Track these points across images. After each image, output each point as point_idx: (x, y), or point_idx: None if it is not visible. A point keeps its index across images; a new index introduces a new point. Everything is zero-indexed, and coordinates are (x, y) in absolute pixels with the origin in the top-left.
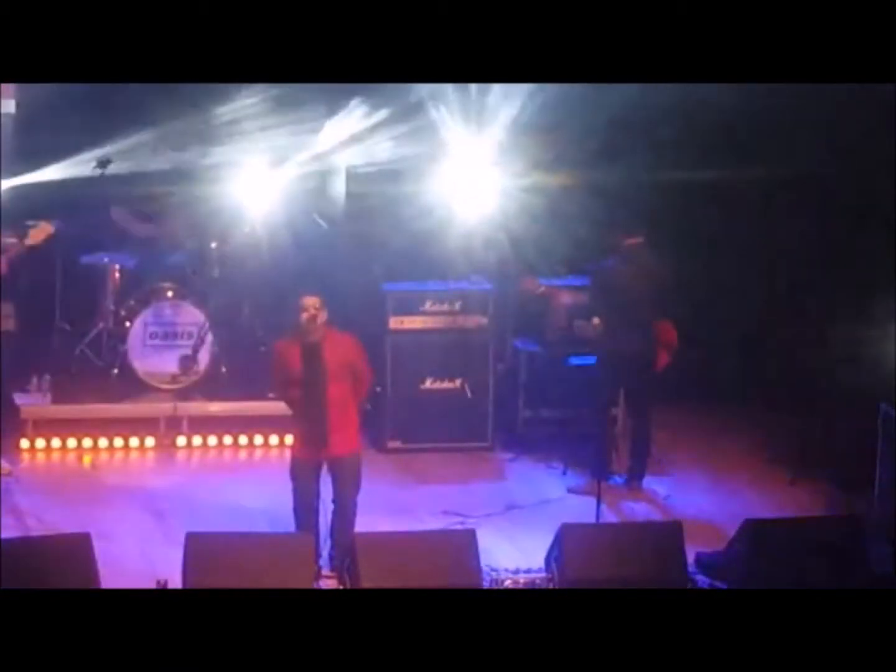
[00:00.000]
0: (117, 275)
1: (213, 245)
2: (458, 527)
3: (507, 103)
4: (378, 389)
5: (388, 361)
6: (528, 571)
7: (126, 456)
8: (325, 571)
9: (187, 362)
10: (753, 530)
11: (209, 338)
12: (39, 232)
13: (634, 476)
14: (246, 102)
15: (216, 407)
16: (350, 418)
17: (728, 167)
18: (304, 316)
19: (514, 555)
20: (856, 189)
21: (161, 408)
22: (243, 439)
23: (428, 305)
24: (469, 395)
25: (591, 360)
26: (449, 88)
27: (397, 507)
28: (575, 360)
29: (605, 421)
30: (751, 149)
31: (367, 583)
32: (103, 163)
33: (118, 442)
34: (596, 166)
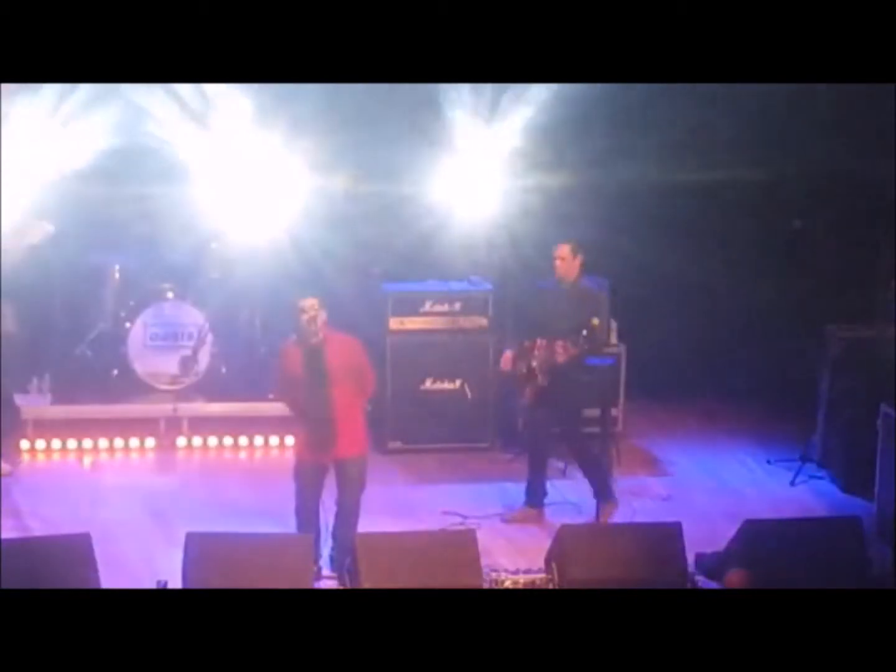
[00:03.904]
0: (117, 275)
1: (213, 246)
2: (458, 527)
3: (510, 102)
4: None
5: (388, 362)
6: (528, 572)
7: (126, 456)
8: (326, 571)
9: (187, 363)
10: (753, 530)
11: (209, 338)
12: (38, 231)
13: (600, 497)
14: (244, 101)
15: (216, 407)
16: (355, 420)
17: (729, 167)
18: (304, 318)
19: (514, 555)
20: (856, 188)
21: (161, 408)
22: (243, 440)
23: (428, 306)
24: (469, 395)
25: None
26: (459, 87)
27: (397, 507)
28: None
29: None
30: (751, 148)
31: (367, 583)
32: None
33: (118, 442)
34: (596, 166)
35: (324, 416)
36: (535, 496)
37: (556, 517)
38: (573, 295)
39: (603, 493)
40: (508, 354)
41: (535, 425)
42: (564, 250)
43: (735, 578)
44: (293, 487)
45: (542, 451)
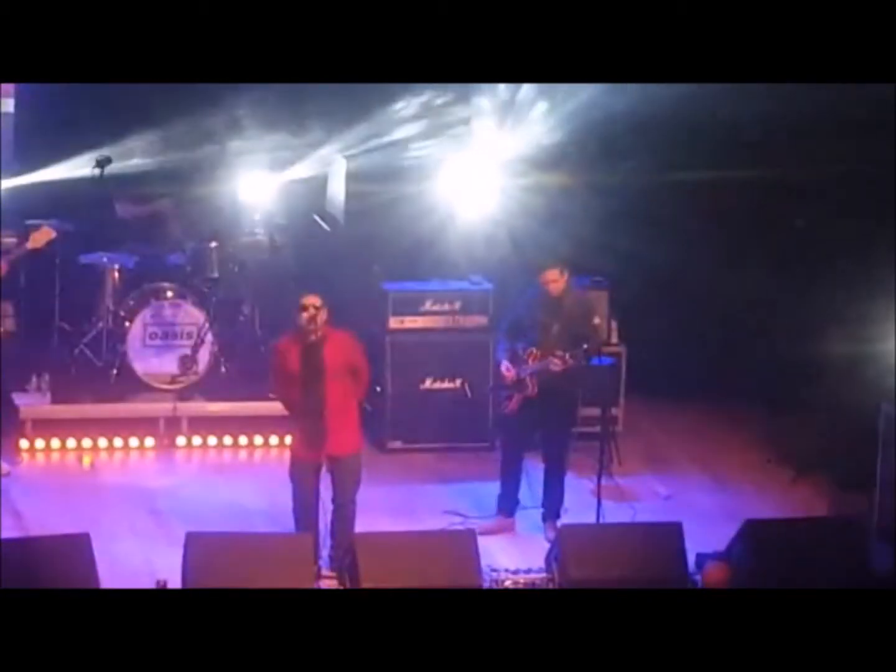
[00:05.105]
0: (117, 275)
1: (213, 245)
2: (458, 527)
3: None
4: (378, 389)
5: (388, 361)
6: (528, 572)
7: (126, 456)
8: (325, 571)
9: (187, 362)
10: (753, 530)
11: (209, 338)
12: (41, 236)
13: (549, 514)
14: (247, 102)
15: (216, 407)
16: (350, 418)
17: (729, 167)
18: (305, 315)
19: (514, 555)
20: (856, 188)
21: (160, 408)
22: (243, 439)
23: (428, 305)
24: (469, 395)
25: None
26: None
27: (397, 507)
28: None
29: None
30: (750, 149)
31: (367, 583)
32: (101, 162)
33: (118, 442)
34: (597, 165)
35: (318, 412)
36: (509, 505)
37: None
38: (565, 304)
39: (556, 512)
40: (507, 363)
41: (517, 435)
42: (554, 274)
43: (714, 572)
44: (290, 487)
45: (520, 461)
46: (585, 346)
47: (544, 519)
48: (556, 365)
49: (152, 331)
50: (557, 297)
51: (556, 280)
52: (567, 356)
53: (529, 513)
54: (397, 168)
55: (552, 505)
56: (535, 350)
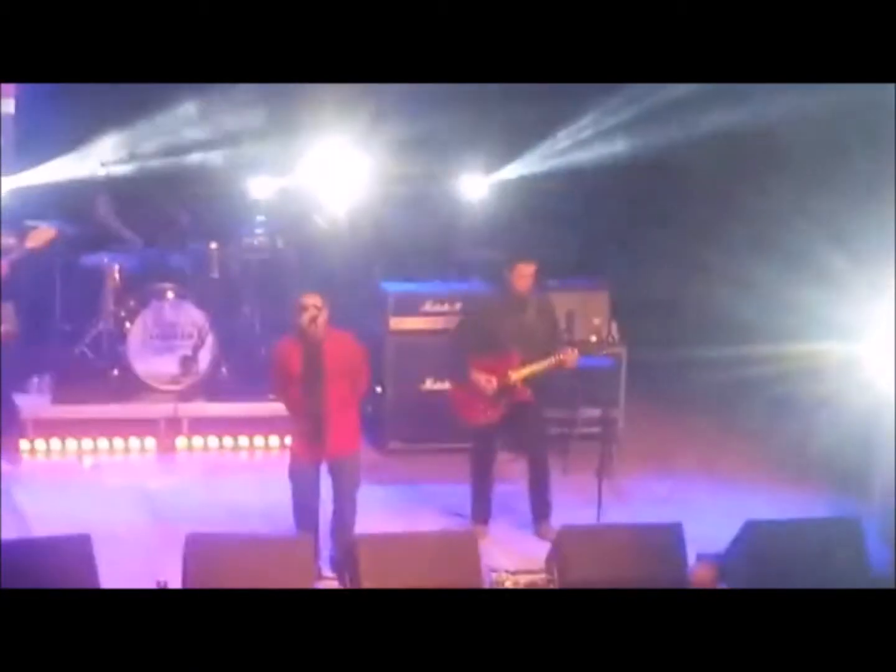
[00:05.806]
0: (117, 275)
1: (214, 246)
2: (459, 527)
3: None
4: (378, 390)
5: (388, 362)
6: (528, 572)
7: (126, 456)
8: (326, 572)
9: (187, 363)
10: (753, 531)
11: (209, 338)
12: (41, 235)
13: (541, 517)
14: (247, 102)
15: (216, 408)
16: (349, 418)
17: (729, 167)
18: (306, 316)
19: (514, 555)
20: (856, 187)
21: (161, 408)
22: (243, 440)
23: (428, 306)
24: None
25: (590, 360)
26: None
27: (397, 507)
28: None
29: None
30: (751, 148)
31: (367, 583)
32: (105, 162)
33: (118, 443)
34: (598, 166)
35: (317, 413)
36: (484, 512)
37: (557, 518)
38: (531, 303)
39: (548, 512)
40: (485, 374)
41: (498, 441)
42: (529, 269)
43: (701, 572)
44: (290, 487)
45: (494, 466)
46: (593, 336)
47: (538, 520)
48: (570, 361)
49: (153, 331)
50: (523, 295)
51: (529, 276)
52: (577, 350)
53: (529, 513)
54: (400, 169)
55: (546, 505)
56: (516, 353)
